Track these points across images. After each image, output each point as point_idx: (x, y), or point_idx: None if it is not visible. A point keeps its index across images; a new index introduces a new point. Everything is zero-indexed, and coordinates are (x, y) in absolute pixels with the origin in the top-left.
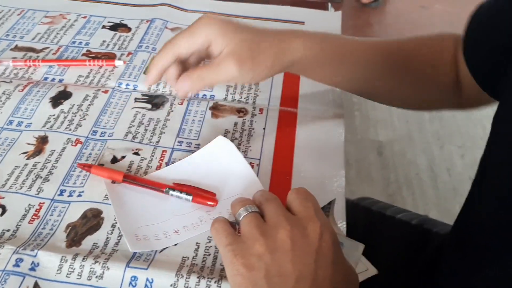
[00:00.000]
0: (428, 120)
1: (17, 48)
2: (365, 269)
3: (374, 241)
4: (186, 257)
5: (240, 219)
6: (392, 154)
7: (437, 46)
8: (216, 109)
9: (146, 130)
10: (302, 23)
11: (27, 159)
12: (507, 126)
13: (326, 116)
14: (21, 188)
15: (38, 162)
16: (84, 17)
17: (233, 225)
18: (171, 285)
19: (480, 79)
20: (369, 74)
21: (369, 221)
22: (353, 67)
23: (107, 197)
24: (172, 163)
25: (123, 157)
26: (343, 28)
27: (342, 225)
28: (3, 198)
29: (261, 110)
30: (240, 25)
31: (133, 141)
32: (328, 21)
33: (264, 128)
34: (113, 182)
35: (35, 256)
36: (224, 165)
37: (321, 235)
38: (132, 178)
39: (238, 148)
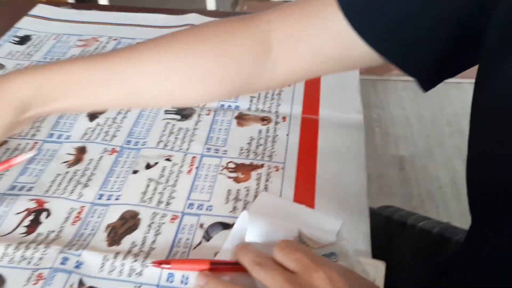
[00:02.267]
0: (448, 134)
1: None
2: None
3: (394, 251)
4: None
5: None
6: (413, 169)
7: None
8: (241, 118)
9: (176, 138)
10: None
11: (68, 167)
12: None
13: (346, 122)
14: (63, 193)
15: (78, 170)
16: (115, 39)
17: None
18: None
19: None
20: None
21: (390, 230)
22: (110, 90)
23: (143, 200)
24: (202, 167)
25: (156, 163)
26: None
27: (366, 231)
28: (48, 202)
29: (284, 118)
30: None
31: (164, 149)
32: None
33: (287, 135)
34: None
35: (79, 255)
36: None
37: (331, 279)
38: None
39: (263, 153)
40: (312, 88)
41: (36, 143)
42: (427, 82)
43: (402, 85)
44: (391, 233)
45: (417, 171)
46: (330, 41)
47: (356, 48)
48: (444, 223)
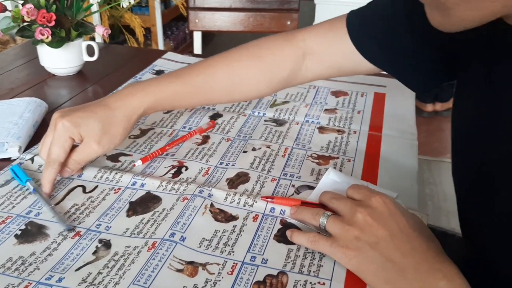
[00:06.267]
0: None
1: None
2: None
3: None
4: None
5: (325, 225)
6: None
7: (278, 46)
8: (322, 129)
9: (273, 136)
10: (384, 86)
11: (198, 145)
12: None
13: (403, 139)
14: (196, 159)
15: (205, 147)
16: None
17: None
18: None
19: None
20: (214, 93)
21: None
22: (198, 96)
23: (251, 167)
24: (292, 154)
25: (260, 148)
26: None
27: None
28: (185, 162)
29: (354, 132)
30: (87, 113)
31: (265, 141)
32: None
33: (357, 141)
34: None
35: (210, 190)
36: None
37: (384, 202)
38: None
39: (339, 151)
40: (377, 112)
41: (173, 131)
42: (418, 87)
43: None
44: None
45: None
46: (344, 58)
47: (362, 64)
48: None
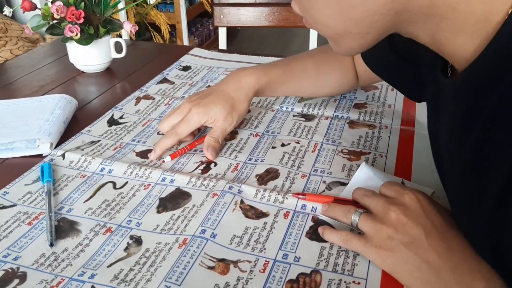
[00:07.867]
0: None
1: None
2: None
3: None
4: None
5: (357, 223)
6: None
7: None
8: (352, 123)
9: (302, 131)
10: None
11: (226, 141)
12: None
13: None
14: (224, 155)
15: (233, 143)
16: None
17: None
18: None
19: (375, 71)
20: (306, 82)
21: None
22: (294, 82)
23: (280, 162)
24: (322, 149)
25: (289, 143)
26: None
27: None
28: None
29: (386, 126)
30: (214, 98)
31: (294, 136)
32: None
33: (389, 137)
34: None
35: (240, 186)
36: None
37: (417, 199)
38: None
39: (370, 146)
40: (408, 109)
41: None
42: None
43: None
44: None
45: None
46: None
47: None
48: None
